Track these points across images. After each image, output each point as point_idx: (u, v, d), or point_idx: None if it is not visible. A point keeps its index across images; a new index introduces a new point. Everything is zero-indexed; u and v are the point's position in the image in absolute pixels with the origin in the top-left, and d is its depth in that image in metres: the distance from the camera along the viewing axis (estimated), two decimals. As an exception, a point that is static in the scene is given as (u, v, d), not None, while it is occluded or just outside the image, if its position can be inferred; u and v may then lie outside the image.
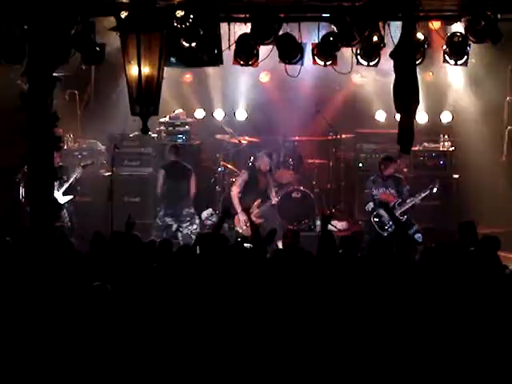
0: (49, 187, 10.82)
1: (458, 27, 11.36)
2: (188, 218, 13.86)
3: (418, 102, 9.46)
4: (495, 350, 6.93)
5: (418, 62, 10.60)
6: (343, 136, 15.68)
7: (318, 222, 14.54)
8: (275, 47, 11.35)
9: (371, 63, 11.62)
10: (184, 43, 11.20)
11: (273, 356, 6.95)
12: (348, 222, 15.11)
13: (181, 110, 15.75)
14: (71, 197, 13.63)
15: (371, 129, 15.65)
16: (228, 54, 11.69)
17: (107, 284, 7.50)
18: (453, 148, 15.05)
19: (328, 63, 11.59)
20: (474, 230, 10.43)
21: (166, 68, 7.95)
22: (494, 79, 14.45)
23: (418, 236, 12.91)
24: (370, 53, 11.45)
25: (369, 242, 12.70)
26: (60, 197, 13.17)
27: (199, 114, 16.21)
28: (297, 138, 15.59)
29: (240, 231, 13.69)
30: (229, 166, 15.38)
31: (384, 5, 10.57)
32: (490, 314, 7.28)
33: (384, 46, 11.15)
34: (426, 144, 15.12)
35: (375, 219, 13.14)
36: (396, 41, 9.86)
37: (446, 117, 15.30)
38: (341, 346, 6.99)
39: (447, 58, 11.57)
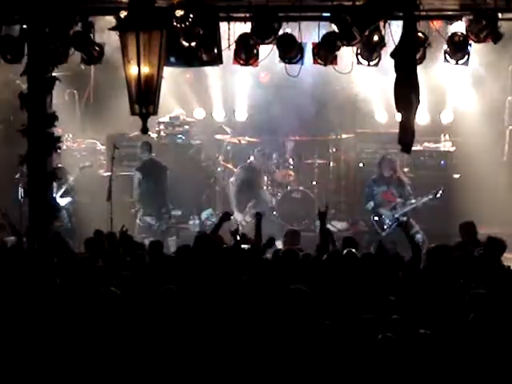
0: (48, 187, 10.81)
1: (459, 27, 11.33)
2: (166, 216, 13.85)
3: (418, 102, 9.43)
4: (496, 349, 6.91)
5: (418, 62, 10.58)
6: (343, 136, 15.67)
7: (318, 222, 14.52)
8: (275, 47, 11.32)
9: (371, 63, 11.59)
10: (184, 43, 11.17)
11: (271, 356, 6.94)
12: (348, 222, 15.09)
13: (180, 110, 15.74)
14: (69, 199, 13.62)
15: (371, 129, 15.63)
16: (228, 54, 11.66)
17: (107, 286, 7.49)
18: (453, 148, 15.04)
19: (328, 63, 11.56)
20: (475, 230, 10.42)
21: (165, 68, 7.93)
22: (494, 79, 14.44)
23: (419, 236, 12.90)
24: (371, 52, 11.42)
25: (369, 242, 12.73)
26: (58, 199, 13.14)
27: (199, 113, 16.19)
28: (297, 137, 15.57)
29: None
30: (229, 165, 15.37)
31: (384, 4, 10.53)
32: (492, 313, 7.26)
33: (384, 45, 11.12)
34: (426, 144, 15.11)
35: (375, 218, 13.13)
36: (396, 40, 9.82)
37: (446, 117, 15.28)
38: (340, 347, 6.97)
39: (448, 57, 11.54)
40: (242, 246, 9.29)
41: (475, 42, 11.28)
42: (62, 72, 11.43)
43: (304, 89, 14.78)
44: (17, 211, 12.35)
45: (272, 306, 7.52)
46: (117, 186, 13.60)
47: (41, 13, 10.61)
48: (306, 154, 15.57)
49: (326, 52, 11.39)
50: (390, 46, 10.41)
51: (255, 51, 11.61)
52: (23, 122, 10.76)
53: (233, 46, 11.57)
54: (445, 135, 15.13)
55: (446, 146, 15.09)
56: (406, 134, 9.48)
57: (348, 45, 11.20)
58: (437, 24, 11.49)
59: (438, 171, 14.85)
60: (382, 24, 11.05)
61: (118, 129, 15.04)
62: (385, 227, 13.06)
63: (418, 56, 10.60)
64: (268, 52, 11.48)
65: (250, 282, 7.80)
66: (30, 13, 10.67)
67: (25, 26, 10.92)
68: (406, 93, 9.34)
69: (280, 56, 11.44)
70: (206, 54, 11.45)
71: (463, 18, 11.18)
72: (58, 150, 10.95)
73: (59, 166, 13.12)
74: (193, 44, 11.23)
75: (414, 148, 9.91)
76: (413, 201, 13.08)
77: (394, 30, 10.75)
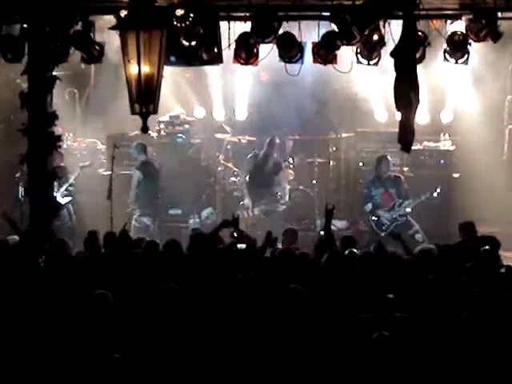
0: (48, 186, 10.82)
1: (459, 26, 11.33)
2: (158, 217, 13.92)
3: (418, 101, 9.44)
4: (495, 349, 6.92)
5: (418, 61, 10.58)
6: (343, 135, 15.67)
7: (318, 222, 14.54)
8: (275, 46, 11.33)
9: (371, 62, 11.60)
10: (184, 42, 11.18)
11: (270, 356, 6.94)
12: (348, 221, 15.09)
13: (181, 109, 15.73)
14: (70, 198, 13.63)
15: (371, 128, 15.62)
16: (228, 53, 11.67)
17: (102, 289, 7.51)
18: (453, 147, 15.04)
19: (328, 62, 11.57)
20: (474, 229, 10.44)
21: (165, 67, 7.93)
22: (494, 78, 14.43)
23: (419, 236, 12.91)
24: (371, 52, 11.43)
25: (369, 242, 12.73)
26: (59, 198, 13.15)
27: (199, 112, 16.18)
28: (297, 137, 15.57)
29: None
30: (229, 165, 15.37)
31: (384, 3, 10.54)
32: (490, 313, 7.28)
33: (384, 44, 11.13)
34: (426, 143, 15.10)
35: (373, 219, 13.14)
36: (396, 39, 9.83)
37: (446, 116, 15.27)
38: (338, 346, 6.98)
39: (448, 56, 11.55)
40: (239, 245, 9.29)
41: (475, 41, 11.29)
42: (62, 71, 11.45)
43: (304, 88, 14.78)
44: (17, 210, 12.38)
45: (268, 305, 7.53)
46: (117, 185, 13.61)
47: (41, 12, 10.63)
48: (306, 154, 15.57)
49: (325, 51, 11.40)
50: (390, 46, 10.41)
51: (255, 50, 11.62)
52: (24, 122, 10.79)
53: (233, 46, 11.58)
54: (445, 134, 15.13)
55: (445, 145, 15.09)
56: (406, 133, 9.49)
57: (348, 44, 11.20)
58: (436, 23, 11.50)
59: (438, 170, 14.85)
60: (381, 23, 11.06)
61: (119, 128, 15.04)
62: (384, 228, 13.07)
63: (417, 55, 10.60)
64: (268, 51, 11.49)
65: (245, 280, 7.80)
66: (30, 12, 10.69)
67: (25, 26, 10.94)
68: (406, 92, 9.35)
69: (280, 55, 11.45)
70: (206, 53, 11.46)
71: (463, 17, 11.19)
72: (60, 150, 10.97)
73: (60, 165, 13.16)
74: (193, 43, 11.24)
75: (413, 147, 9.93)
76: (410, 200, 13.08)
77: (393, 30, 10.76)
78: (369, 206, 13.20)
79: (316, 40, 11.42)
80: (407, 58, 9.53)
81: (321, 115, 15.36)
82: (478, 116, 14.77)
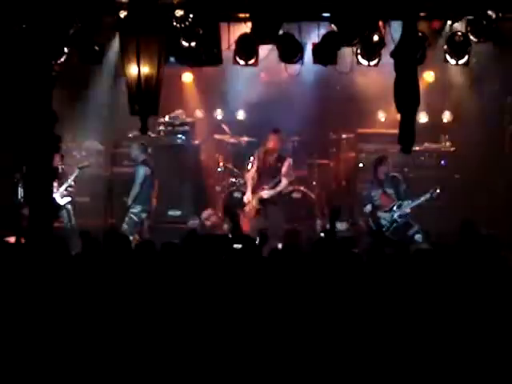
0: (48, 187, 10.82)
1: (459, 26, 11.33)
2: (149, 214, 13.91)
3: (418, 102, 9.43)
4: (495, 349, 6.91)
5: (418, 62, 10.58)
6: (344, 136, 15.66)
7: (318, 222, 14.52)
8: (275, 47, 11.33)
9: (371, 63, 11.60)
10: (183, 43, 11.18)
11: (268, 355, 6.93)
12: (348, 222, 15.08)
13: (180, 110, 15.72)
14: (69, 199, 13.62)
15: (372, 129, 15.62)
16: (228, 54, 11.66)
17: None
18: (453, 148, 15.03)
19: (328, 63, 11.56)
20: (475, 230, 10.41)
21: (165, 68, 7.94)
22: (494, 79, 14.42)
23: (419, 236, 12.89)
24: (371, 52, 11.43)
25: (369, 243, 12.72)
26: (58, 199, 13.14)
27: (199, 113, 16.17)
28: (297, 138, 15.56)
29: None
30: (229, 165, 15.36)
31: (384, 4, 10.54)
32: (490, 313, 7.26)
33: (384, 45, 11.13)
34: (426, 144, 15.10)
35: (373, 220, 13.13)
36: (396, 40, 9.83)
37: (446, 117, 15.26)
38: (336, 346, 6.96)
39: (448, 57, 11.55)
40: (234, 245, 9.27)
41: (475, 42, 11.29)
42: (62, 72, 11.44)
43: (304, 89, 14.77)
44: (17, 211, 12.35)
45: (267, 306, 7.51)
46: (117, 185, 13.60)
47: (41, 12, 10.62)
48: (306, 154, 15.56)
49: (325, 52, 11.39)
50: (390, 46, 10.41)
51: (255, 51, 11.62)
52: (23, 123, 10.77)
53: (233, 46, 11.58)
54: (445, 135, 15.12)
55: (445, 145, 15.09)
56: (407, 134, 9.49)
57: (348, 45, 11.21)
58: (437, 24, 11.50)
59: (438, 171, 14.84)
60: (381, 24, 11.06)
61: (118, 129, 15.03)
62: (383, 229, 13.05)
63: (417, 56, 10.60)
64: (268, 52, 11.49)
65: (242, 282, 7.79)
66: (29, 12, 10.68)
67: (24, 26, 10.94)
68: (406, 93, 9.34)
69: (280, 56, 11.45)
70: (205, 53, 11.46)
71: (463, 18, 11.19)
72: (59, 151, 10.98)
73: (59, 165, 13.15)
74: (193, 44, 11.24)
75: (414, 148, 9.93)
76: (410, 201, 13.07)
77: (394, 30, 10.76)
78: (368, 208, 13.17)
79: (316, 41, 11.42)
80: (407, 59, 9.53)
81: (321, 116, 15.35)
82: (478, 117, 14.75)
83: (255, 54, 11.65)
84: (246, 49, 11.57)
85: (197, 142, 15.71)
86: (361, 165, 15.40)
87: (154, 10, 7.51)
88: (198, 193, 15.02)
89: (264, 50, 11.76)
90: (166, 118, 15.43)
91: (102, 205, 13.02)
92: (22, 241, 9.82)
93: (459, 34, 11.26)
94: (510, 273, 8.39)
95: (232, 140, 15.55)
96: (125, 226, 13.31)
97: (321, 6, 11.16)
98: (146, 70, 7.38)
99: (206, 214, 14.96)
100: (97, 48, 11.56)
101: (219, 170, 15.44)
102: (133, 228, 13.37)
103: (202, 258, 8.62)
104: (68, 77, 12.67)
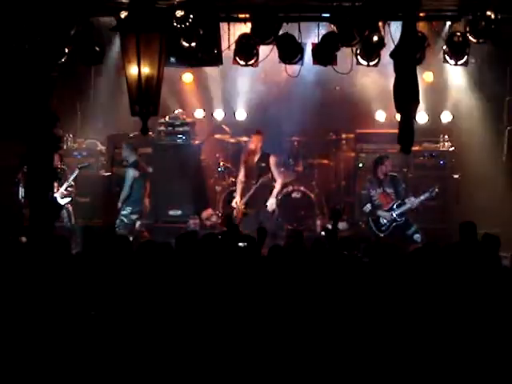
0: (48, 187, 10.84)
1: (459, 27, 11.35)
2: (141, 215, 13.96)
3: (418, 102, 9.45)
4: (495, 349, 6.93)
5: (418, 62, 10.60)
6: (343, 136, 15.68)
7: (318, 222, 14.55)
8: (275, 47, 11.34)
9: (371, 63, 11.62)
10: (184, 43, 11.21)
11: (268, 355, 6.95)
12: (348, 223, 15.09)
13: (180, 110, 15.73)
14: (69, 199, 13.64)
15: (371, 129, 15.63)
16: (228, 54, 11.68)
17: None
18: (453, 148, 15.04)
19: (328, 63, 11.58)
20: (474, 230, 10.42)
21: (165, 68, 7.95)
22: (494, 79, 14.43)
23: (417, 236, 12.91)
24: (370, 53, 11.45)
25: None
26: (58, 199, 13.16)
27: (199, 113, 16.18)
28: (297, 138, 15.58)
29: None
30: (229, 165, 15.37)
31: (384, 5, 10.56)
32: (490, 312, 7.28)
33: (384, 45, 11.15)
34: (426, 144, 15.10)
35: (373, 219, 13.15)
36: (396, 41, 9.85)
37: (446, 117, 15.27)
38: (336, 345, 6.98)
39: (447, 57, 11.57)
40: (239, 244, 9.29)
41: (475, 42, 11.31)
42: (62, 72, 11.46)
43: (304, 89, 14.78)
44: (17, 211, 12.38)
45: (266, 305, 7.53)
46: (117, 185, 13.61)
47: (41, 13, 10.64)
48: (306, 154, 15.57)
49: (325, 52, 11.41)
50: (390, 46, 10.43)
51: (255, 51, 11.64)
52: (24, 123, 10.79)
53: (233, 47, 11.59)
54: (444, 135, 15.13)
55: (445, 146, 15.10)
56: (406, 134, 9.50)
57: (348, 45, 11.23)
58: (436, 24, 11.52)
59: (438, 171, 14.85)
60: (381, 24, 11.08)
61: (118, 129, 15.04)
62: (383, 228, 13.07)
63: (417, 56, 10.62)
64: (268, 52, 11.50)
65: (243, 280, 7.81)
66: (30, 13, 10.70)
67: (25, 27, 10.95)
68: (406, 93, 9.36)
69: (280, 56, 11.46)
70: (205, 54, 11.48)
71: (462, 19, 11.21)
72: (60, 151, 10.99)
73: (60, 165, 13.17)
74: (193, 44, 11.27)
75: (413, 148, 9.94)
76: (413, 197, 13.08)
77: (393, 30, 10.78)
78: (368, 207, 13.19)
79: (316, 41, 11.44)
80: (407, 59, 9.55)
81: (321, 116, 15.36)
82: (477, 117, 14.77)
83: (255, 54, 11.66)
84: (246, 49, 11.58)
85: (197, 142, 15.71)
86: (360, 165, 15.40)
87: (154, 9, 7.52)
88: (197, 193, 15.02)
89: (264, 50, 11.77)
90: (167, 118, 15.44)
91: (101, 205, 13.02)
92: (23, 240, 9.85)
93: (458, 34, 11.28)
94: (510, 273, 8.43)
95: (232, 140, 15.57)
96: (116, 228, 13.32)
97: (321, 6, 11.19)
98: (146, 70, 7.38)
99: (205, 213, 14.98)
100: (97, 48, 11.59)
101: (219, 170, 15.46)
102: (124, 229, 13.36)
103: (201, 259, 8.64)
104: (69, 77, 12.71)
